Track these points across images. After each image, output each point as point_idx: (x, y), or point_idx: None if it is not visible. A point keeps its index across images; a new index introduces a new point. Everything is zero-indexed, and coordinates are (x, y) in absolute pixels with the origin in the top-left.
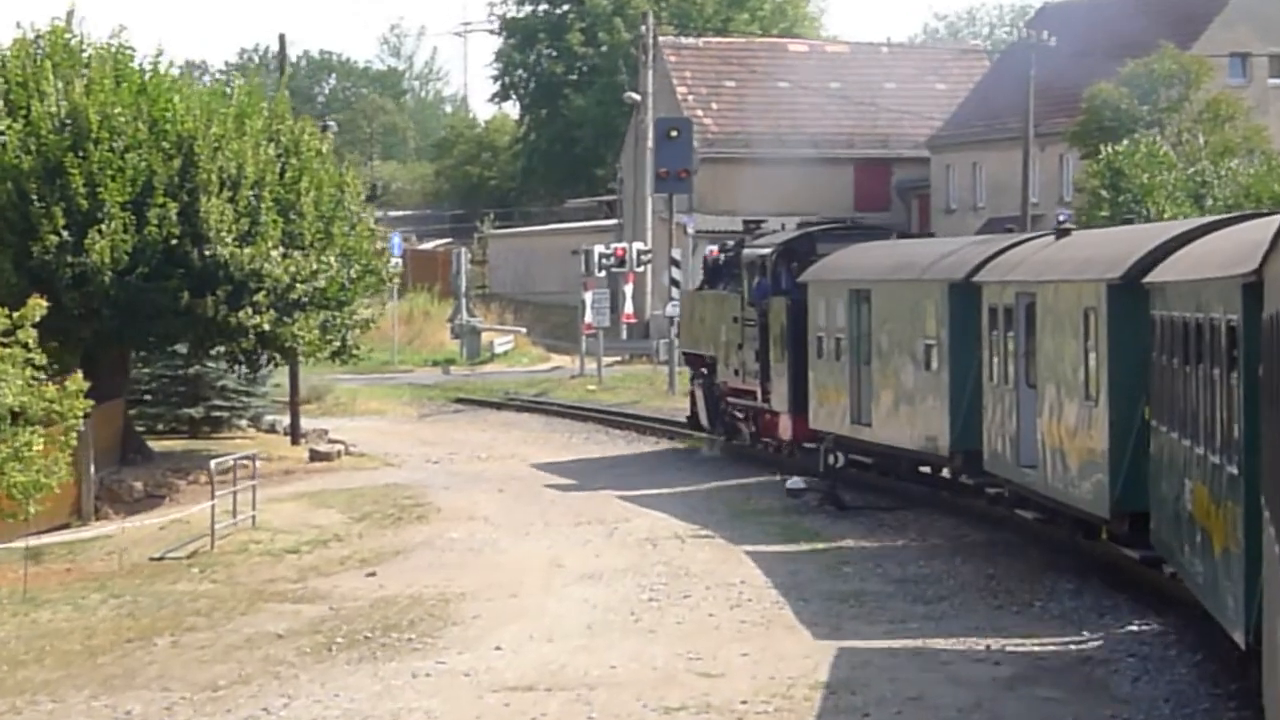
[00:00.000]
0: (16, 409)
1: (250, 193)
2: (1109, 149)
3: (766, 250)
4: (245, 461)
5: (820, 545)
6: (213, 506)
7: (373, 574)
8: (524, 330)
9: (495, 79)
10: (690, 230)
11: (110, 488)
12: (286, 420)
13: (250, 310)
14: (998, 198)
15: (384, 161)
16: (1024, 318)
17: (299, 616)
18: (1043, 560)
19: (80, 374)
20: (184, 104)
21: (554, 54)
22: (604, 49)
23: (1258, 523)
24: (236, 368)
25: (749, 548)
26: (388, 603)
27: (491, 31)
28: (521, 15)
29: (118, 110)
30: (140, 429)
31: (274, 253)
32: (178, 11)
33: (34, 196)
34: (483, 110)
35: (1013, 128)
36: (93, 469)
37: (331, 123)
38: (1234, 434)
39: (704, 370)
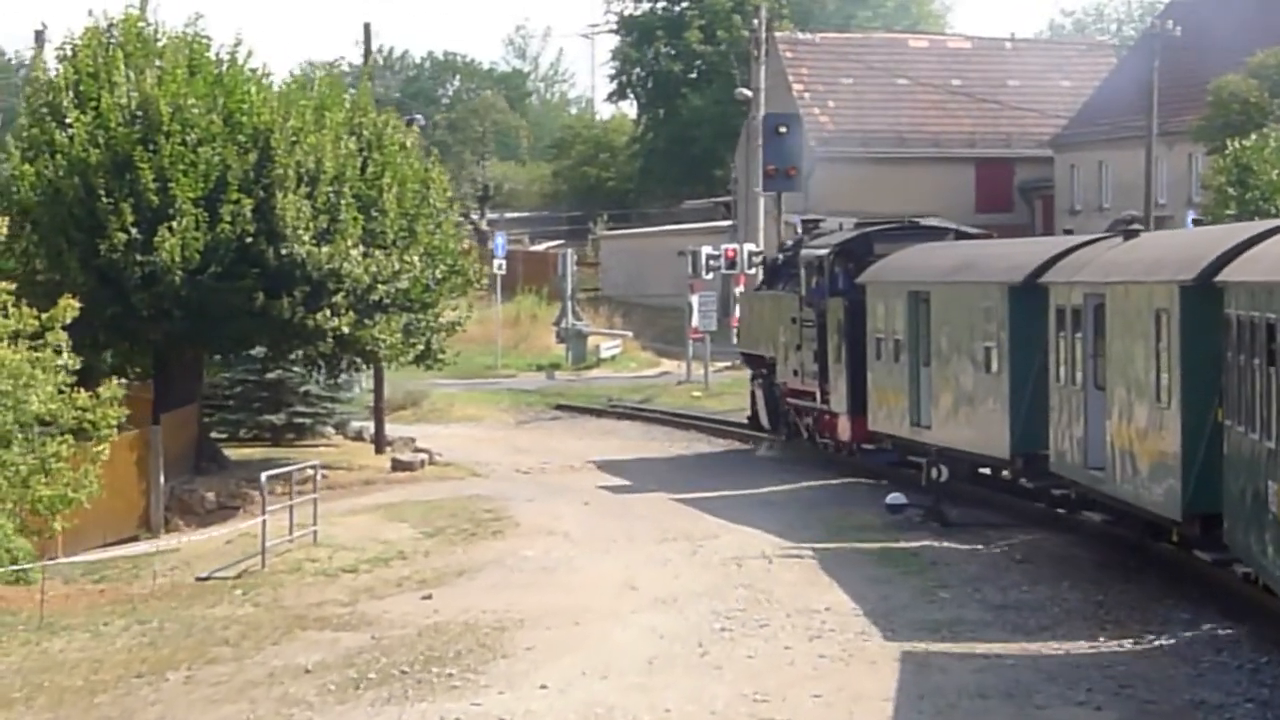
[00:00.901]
0: (46, 417)
1: (329, 189)
2: (1236, 144)
3: (824, 251)
4: (316, 471)
5: (917, 567)
6: (264, 522)
7: (428, 597)
8: (630, 334)
9: (612, 78)
10: (798, 228)
11: (181, 498)
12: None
13: (328, 312)
14: (1124, 198)
15: (502, 162)
16: (1092, 319)
17: (335, 647)
18: (1157, 586)
19: (115, 380)
20: (260, 95)
21: (672, 52)
22: (722, 47)
23: None
24: (316, 372)
25: (840, 569)
26: (437, 630)
27: (612, 30)
28: (639, 13)
29: (191, 102)
30: (222, 435)
31: (354, 251)
32: (301, 14)
33: (102, 192)
34: (604, 110)
35: (1140, 126)
36: (162, 478)
37: (418, 116)
38: None
39: (764, 371)
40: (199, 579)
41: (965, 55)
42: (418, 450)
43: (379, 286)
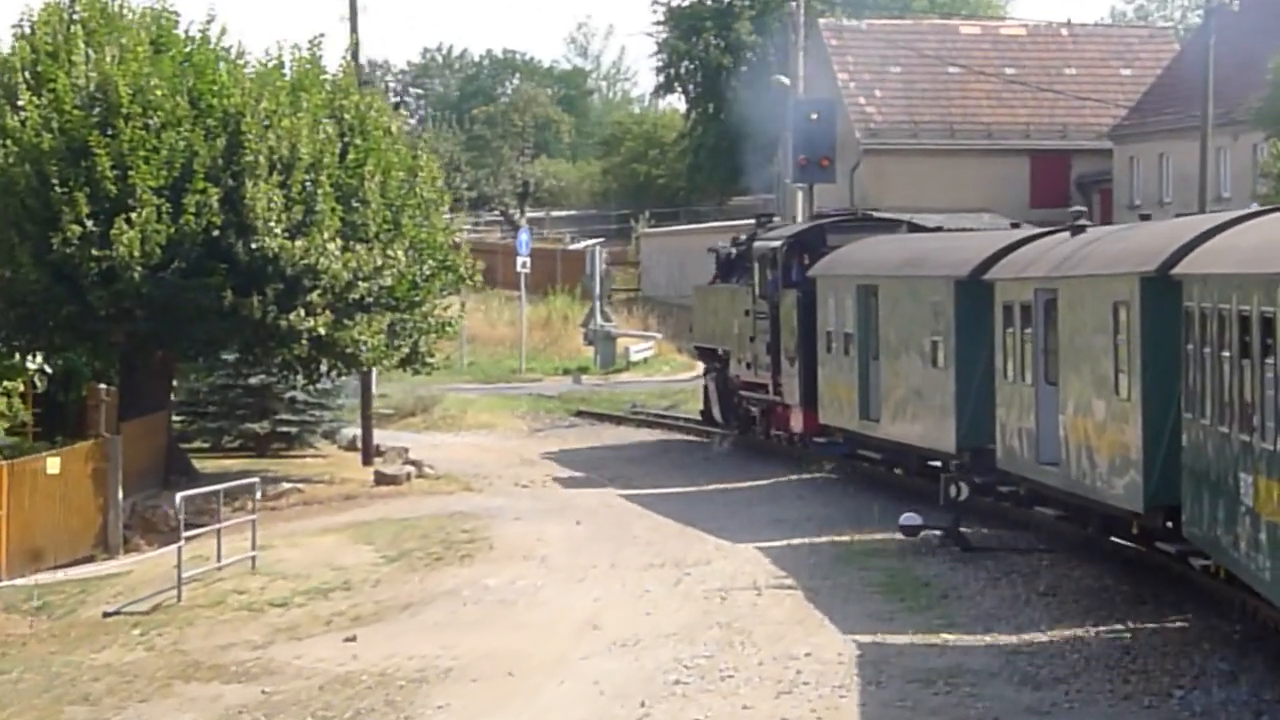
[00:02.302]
0: None
1: (305, 177)
2: None
3: (777, 243)
4: (298, 486)
5: (926, 600)
6: (179, 549)
7: (352, 638)
8: (661, 335)
9: (659, 71)
10: None
11: (144, 515)
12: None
13: (303, 312)
14: (1186, 191)
15: (551, 160)
16: (1043, 314)
17: (214, 706)
18: (1194, 625)
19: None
20: (231, 76)
21: (721, 44)
22: (775, 38)
23: None
24: (293, 377)
25: (838, 603)
26: (345, 683)
27: (659, 23)
28: (687, 3)
29: (154, 83)
30: (204, 445)
31: (331, 245)
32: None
33: (56, 181)
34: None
35: (1202, 116)
36: (121, 493)
37: (408, 98)
38: None
39: (717, 365)
40: (106, 614)
41: (1020, 42)
42: (408, 462)
43: (359, 284)
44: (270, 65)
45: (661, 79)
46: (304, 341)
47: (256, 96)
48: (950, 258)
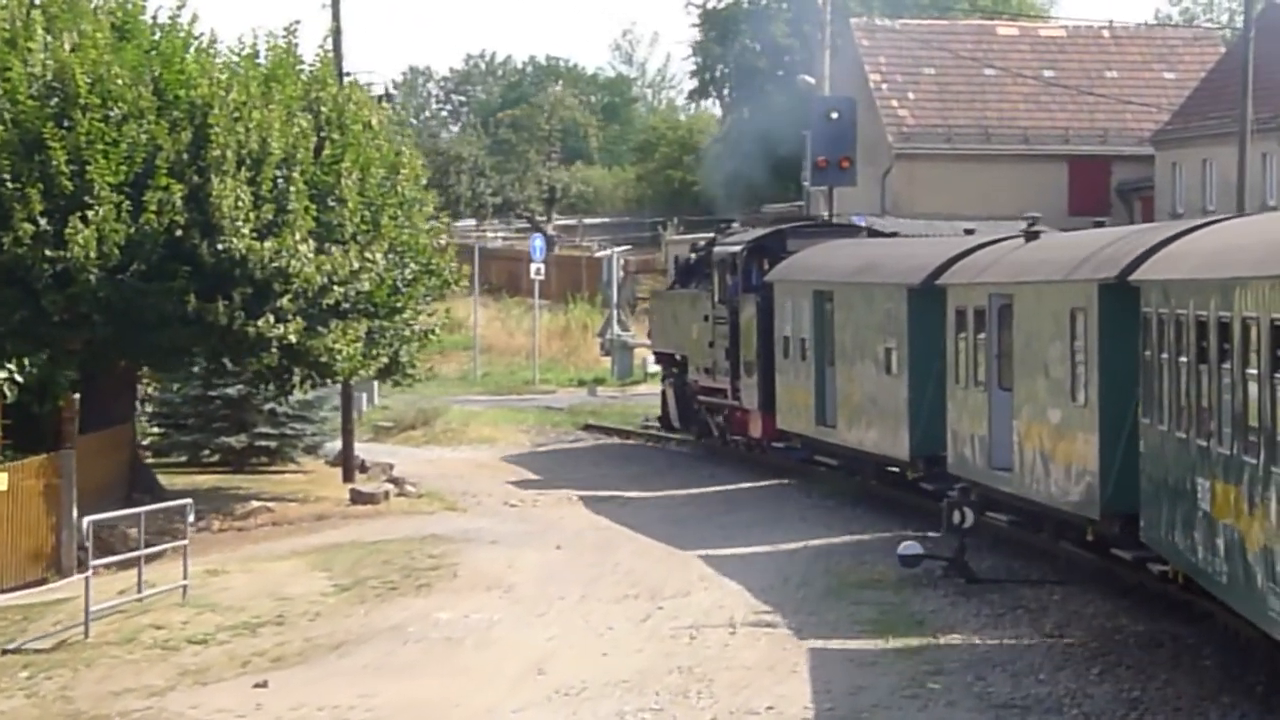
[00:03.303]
0: None
1: (276, 173)
2: None
3: (737, 248)
4: (268, 505)
5: (916, 642)
6: (87, 580)
7: (263, 684)
8: None
9: (693, 74)
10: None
11: (100, 535)
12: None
13: (272, 318)
14: (1230, 199)
15: (587, 166)
16: (997, 320)
17: None
18: (1212, 674)
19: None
20: (198, 65)
21: (757, 47)
22: (811, 40)
23: None
24: (264, 388)
25: (818, 643)
26: None
27: (694, 25)
28: (722, 5)
29: (115, 71)
30: (179, 460)
31: (303, 247)
32: (402, 20)
33: (7, 176)
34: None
35: (1251, 120)
36: (75, 512)
37: (394, 92)
38: (1278, 433)
39: (674, 370)
40: (6, 650)
41: (1059, 44)
42: (390, 479)
43: (334, 288)
44: (244, 54)
45: (696, 83)
46: (274, 350)
47: (226, 87)
48: (904, 264)
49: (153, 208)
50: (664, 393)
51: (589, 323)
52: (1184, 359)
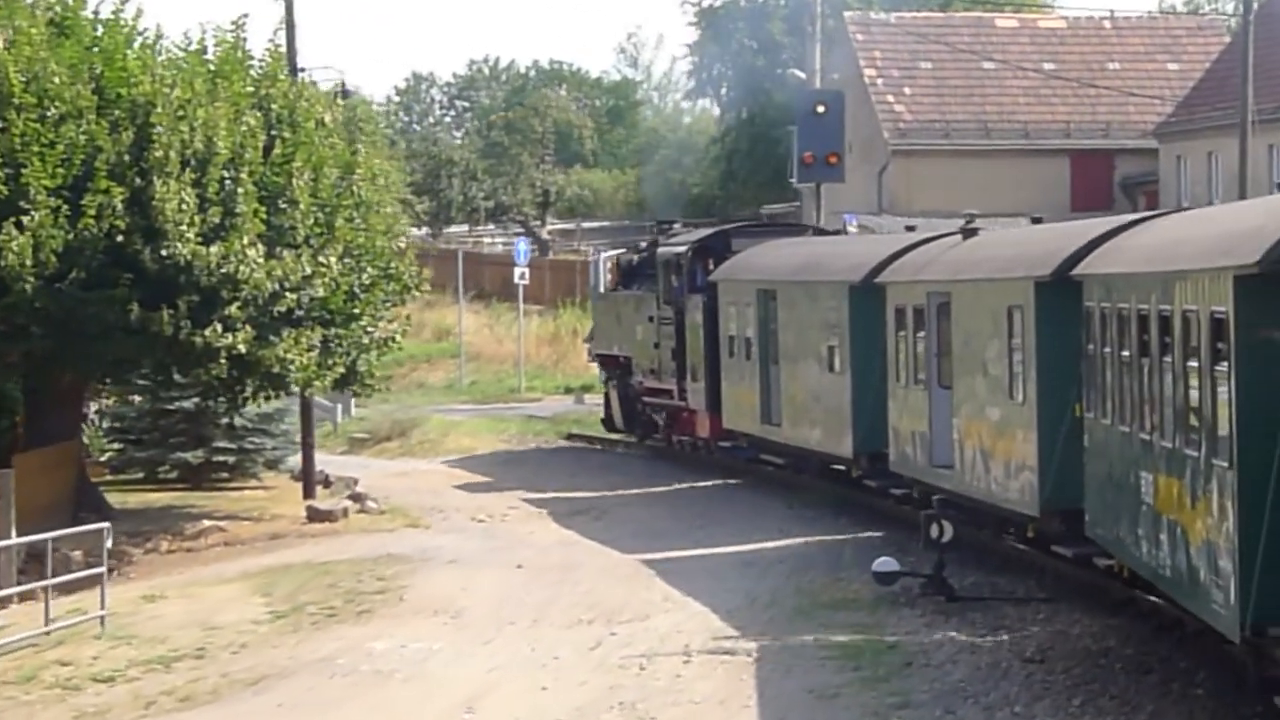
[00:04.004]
0: None
1: (223, 174)
2: None
3: (682, 248)
4: (220, 524)
5: (885, 669)
6: None
7: None
8: None
9: (689, 75)
10: (853, 229)
11: (40, 559)
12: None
13: (220, 327)
14: (1236, 192)
15: (586, 170)
16: (936, 318)
17: None
18: (1205, 706)
19: None
20: (140, 62)
21: (754, 45)
22: (818, 43)
23: (1258, 511)
24: (214, 401)
25: (778, 675)
26: None
27: (691, 24)
28: (719, 3)
29: (53, 69)
30: (138, 477)
31: (252, 252)
32: (405, 25)
33: None
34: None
35: (1257, 111)
36: (14, 533)
37: (351, 89)
38: (1219, 426)
39: (617, 372)
40: None
41: (1060, 36)
42: (352, 495)
43: (286, 295)
44: (190, 50)
45: (693, 82)
46: (223, 360)
47: (169, 84)
48: (845, 262)
49: (92, 212)
50: (606, 395)
51: (579, 328)
52: (1126, 353)
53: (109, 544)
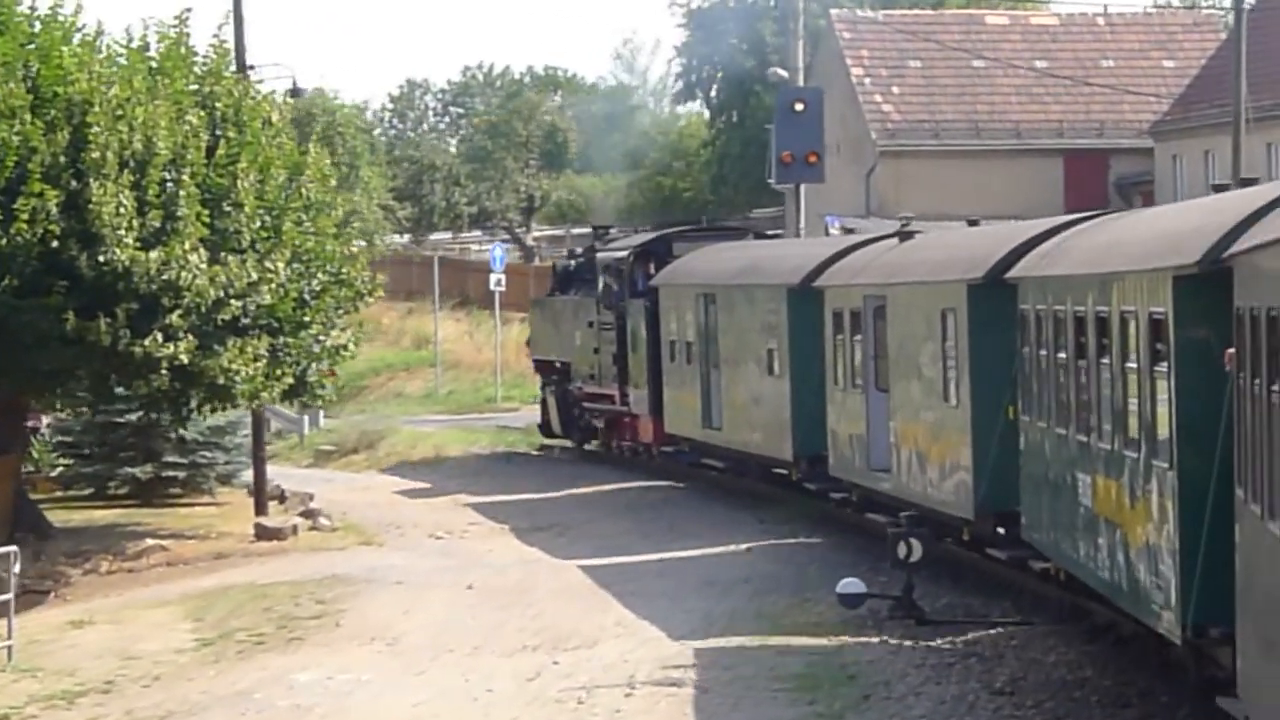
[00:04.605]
0: None
1: (164, 175)
2: None
3: (623, 253)
4: (163, 544)
5: (841, 702)
6: None
7: None
8: None
9: (678, 77)
10: (835, 231)
11: None
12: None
13: (161, 336)
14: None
15: (577, 175)
16: (873, 321)
17: None
18: None
19: None
20: (77, 59)
21: (744, 47)
22: (801, 41)
23: (1198, 512)
24: (158, 414)
25: (726, 708)
26: None
27: (680, 25)
28: (707, 4)
29: None
30: (87, 493)
31: (194, 257)
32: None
33: None
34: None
35: (1254, 108)
36: None
37: (304, 88)
38: (1159, 427)
39: (554, 377)
40: None
41: (1052, 33)
42: (305, 512)
43: (231, 302)
44: (131, 47)
45: (681, 85)
46: (164, 371)
47: (107, 82)
48: (784, 265)
49: (25, 216)
50: (543, 400)
51: None
52: (1062, 355)
53: (17, 569)
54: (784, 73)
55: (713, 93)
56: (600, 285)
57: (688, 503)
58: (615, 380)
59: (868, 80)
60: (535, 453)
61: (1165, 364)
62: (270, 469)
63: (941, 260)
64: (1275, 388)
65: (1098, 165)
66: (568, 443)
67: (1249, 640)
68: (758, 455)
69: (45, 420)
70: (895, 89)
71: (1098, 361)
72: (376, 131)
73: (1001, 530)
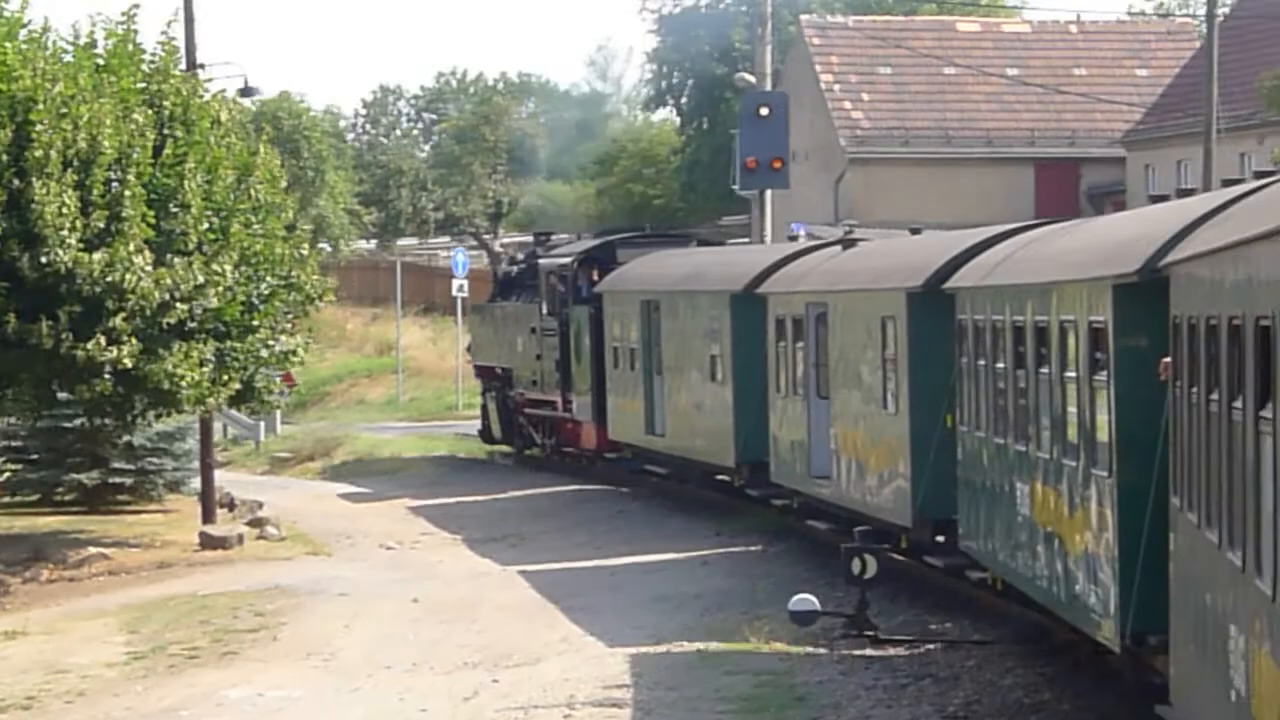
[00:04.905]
0: None
1: (108, 175)
2: None
3: (567, 259)
4: (104, 552)
5: None
6: None
7: None
8: None
9: (648, 83)
10: (803, 239)
11: None
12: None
13: (104, 340)
14: None
15: (548, 182)
16: (814, 328)
17: None
18: None
19: None
20: (20, 56)
21: (715, 54)
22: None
23: (1138, 521)
24: (101, 419)
25: None
26: None
27: (651, 31)
28: (678, 9)
29: None
30: (33, 499)
31: (139, 259)
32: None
33: None
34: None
35: (1227, 118)
36: None
37: (256, 87)
38: (1099, 435)
39: (496, 384)
40: None
41: (1024, 40)
42: (252, 520)
43: (176, 305)
44: (78, 44)
45: (651, 91)
46: (106, 376)
47: (51, 79)
48: (728, 272)
49: None
50: (484, 407)
51: None
52: (1001, 364)
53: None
54: (751, 78)
55: (683, 99)
56: (544, 291)
57: (642, 514)
58: (558, 386)
59: (837, 87)
60: (483, 459)
61: (1105, 373)
62: (222, 476)
63: (882, 268)
64: (1213, 396)
65: (1069, 174)
66: (507, 448)
67: (1182, 648)
68: (701, 461)
69: None
70: (865, 95)
71: (1037, 370)
72: (350, 137)
73: (941, 539)
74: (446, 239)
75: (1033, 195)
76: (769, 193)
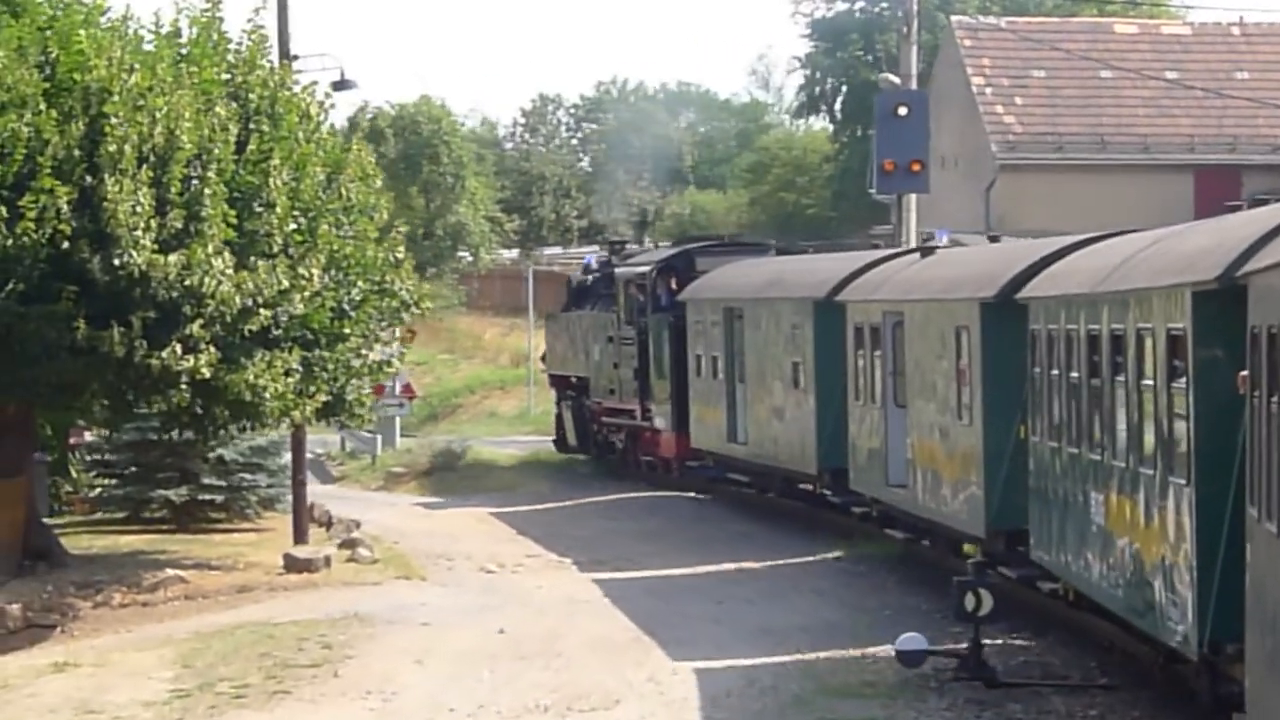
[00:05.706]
0: None
1: (187, 172)
2: None
3: (645, 268)
4: (181, 575)
5: None
6: None
7: None
8: None
9: (801, 89)
10: (945, 245)
11: None
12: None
13: (180, 348)
14: None
15: (700, 191)
16: (891, 337)
17: None
18: None
19: None
20: (95, 44)
21: (869, 59)
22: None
23: (1216, 529)
24: (178, 432)
25: None
26: None
27: (804, 36)
28: (831, 14)
29: None
30: (121, 516)
31: (218, 261)
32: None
33: None
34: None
35: None
36: None
37: (352, 80)
38: (1177, 444)
39: (571, 392)
40: None
41: (1184, 42)
42: (346, 541)
43: (259, 311)
44: (161, 33)
45: (804, 98)
46: (183, 386)
47: (127, 69)
48: (809, 279)
49: (32, 214)
50: (559, 416)
51: None
52: (1075, 374)
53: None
54: (896, 79)
55: (836, 106)
56: (621, 300)
57: (761, 535)
58: (636, 395)
59: (989, 90)
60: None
61: (1183, 380)
62: (331, 491)
63: (955, 277)
64: None
65: (1230, 182)
66: (583, 456)
67: (1257, 658)
68: (782, 469)
69: (88, 437)
70: (1018, 100)
71: (1112, 379)
72: (509, 146)
73: (1019, 549)
74: (593, 248)
75: (1191, 204)
76: (912, 199)
